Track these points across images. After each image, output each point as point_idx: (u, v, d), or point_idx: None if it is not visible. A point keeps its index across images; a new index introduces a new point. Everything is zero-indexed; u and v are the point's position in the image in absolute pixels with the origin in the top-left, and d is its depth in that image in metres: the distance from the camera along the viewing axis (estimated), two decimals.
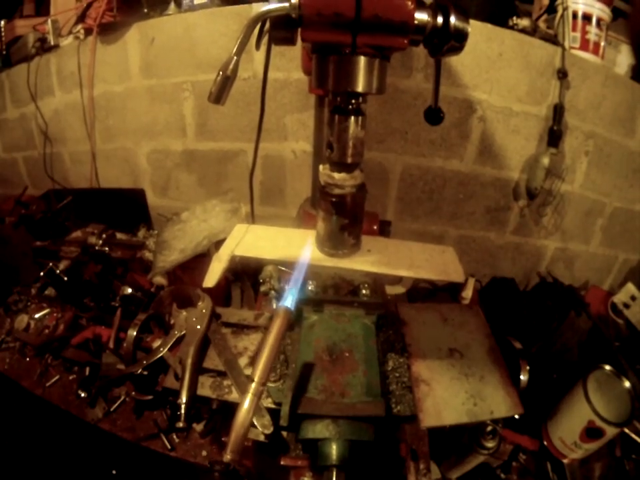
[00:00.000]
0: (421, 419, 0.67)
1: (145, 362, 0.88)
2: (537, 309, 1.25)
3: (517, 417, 0.93)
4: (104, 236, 1.28)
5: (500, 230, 1.43)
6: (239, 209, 1.36)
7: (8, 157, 1.95)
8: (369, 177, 1.45)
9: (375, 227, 1.08)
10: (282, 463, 0.65)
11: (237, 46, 0.51)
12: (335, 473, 0.52)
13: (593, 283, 1.45)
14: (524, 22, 1.15)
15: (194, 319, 0.87)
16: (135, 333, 0.93)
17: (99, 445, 1.05)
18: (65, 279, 1.20)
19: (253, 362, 0.81)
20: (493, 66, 1.18)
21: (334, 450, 0.54)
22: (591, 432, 0.80)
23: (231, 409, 0.70)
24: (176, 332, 0.88)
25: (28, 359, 1.11)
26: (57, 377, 1.07)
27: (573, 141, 1.27)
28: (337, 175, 0.60)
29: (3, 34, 1.57)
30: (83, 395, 1.00)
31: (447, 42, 0.54)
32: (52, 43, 1.49)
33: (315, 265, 0.68)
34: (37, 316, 1.21)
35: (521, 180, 1.33)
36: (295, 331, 0.74)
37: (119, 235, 1.45)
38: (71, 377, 1.08)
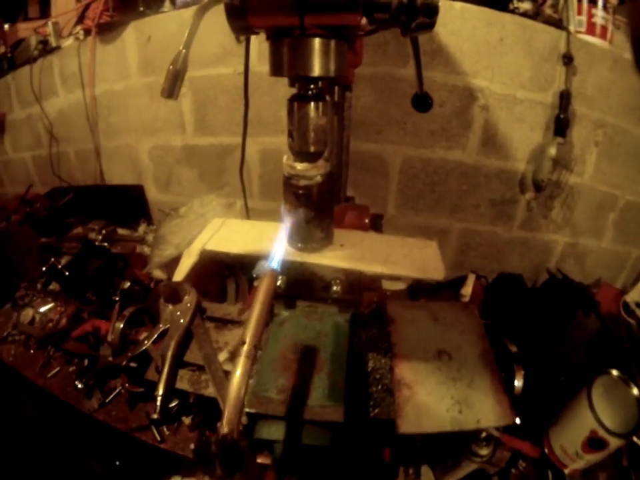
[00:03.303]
0: (398, 425, 0.65)
1: (129, 354, 0.93)
2: (545, 307, 1.23)
3: (518, 421, 0.92)
4: (104, 232, 1.35)
5: (506, 224, 1.41)
6: (234, 204, 1.40)
7: (17, 157, 2.06)
8: (368, 169, 1.47)
9: (367, 221, 1.09)
10: (258, 460, 0.64)
11: (185, 38, 0.52)
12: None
13: (604, 280, 1.40)
14: (525, 5, 1.12)
15: (178, 313, 0.91)
16: (122, 326, 0.99)
17: (97, 434, 1.12)
18: (67, 273, 1.28)
19: (233, 357, 0.85)
20: (494, 52, 1.16)
21: (287, 453, 0.54)
22: (593, 442, 0.77)
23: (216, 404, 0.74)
24: (161, 325, 0.92)
25: (32, 351, 1.19)
26: (57, 369, 1.13)
27: (582, 129, 1.23)
28: (299, 165, 0.60)
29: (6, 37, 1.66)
30: (80, 386, 1.05)
31: (414, 18, 0.51)
32: (53, 45, 1.57)
33: (284, 260, 0.69)
34: (41, 310, 1.28)
35: (528, 171, 1.30)
36: (270, 328, 0.74)
37: (121, 231, 1.53)
38: (70, 369, 1.14)
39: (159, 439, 0.96)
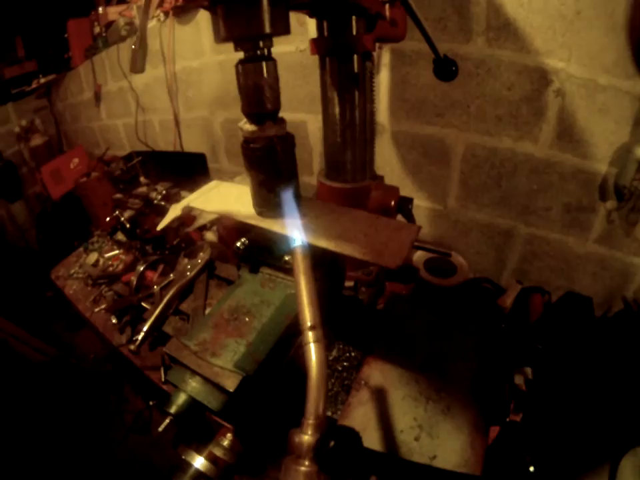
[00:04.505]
0: None
1: (140, 295, 1.08)
2: (608, 344, 1.06)
3: (532, 469, 0.80)
4: (164, 192, 1.54)
5: (581, 235, 1.23)
6: None
7: (111, 123, 2.44)
8: (428, 155, 1.43)
9: (393, 203, 1.06)
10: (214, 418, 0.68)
11: (140, 22, 0.61)
12: (167, 422, 0.56)
13: None
14: None
15: (188, 267, 1.03)
16: (141, 269, 1.14)
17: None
18: (128, 226, 1.50)
19: None
20: (570, 27, 1.01)
21: (177, 400, 0.57)
22: None
23: None
24: (171, 275, 1.06)
25: (89, 288, 1.41)
26: (104, 305, 1.32)
27: None
28: (247, 127, 0.61)
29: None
30: (114, 321, 1.21)
31: None
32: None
33: (242, 222, 0.71)
34: (106, 255, 1.53)
35: (610, 175, 1.11)
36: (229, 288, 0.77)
37: (183, 193, 1.72)
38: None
39: (163, 379, 1.08)
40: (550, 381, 0.91)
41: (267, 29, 0.53)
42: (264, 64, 0.57)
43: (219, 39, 0.56)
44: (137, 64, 0.63)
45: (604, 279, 1.25)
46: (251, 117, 0.62)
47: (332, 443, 0.42)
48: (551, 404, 0.85)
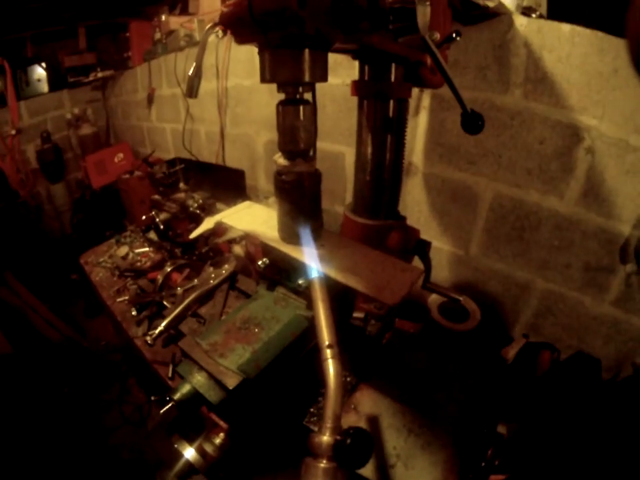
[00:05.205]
0: None
1: (163, 293, 1.17)
2: (610, 412, 1.06)
3: None
4: (200, 201, 1.65)
5: (597, 296, 1.24)
6: None
7: (159, 126, 2.59)
8: (456, 200, 1.49)
9: (410, 244, 1.10)
10: (211, 416, 0.77)
11: (197, 54, 0.70)
12: (169, 406, 0.64)
13: None
14: None
15: (212, 275, 1.12)
16: (168, 270, 1.24)
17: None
18: (162, 227, 1.61)
19: None
20: (606, 85, 1.05)
21: (182, 389, 0.65)
22: None
23: None
24: (195, 281, 1.15)
25: (114, 279, 1.52)
26: (126, 297, 1.42)
27: None
28: (280, 161, 0.69)
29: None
30: (133, 313, 1.29)
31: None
32: (197, 39, 1.97)
33: (265, 244, 0.79)
34: (136, 251, 1.65)
35: (633, 238, 1.12)
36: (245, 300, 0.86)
37: (219, 205, 1.82)
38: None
39: (170, 375, 1.14)
40: (540, 438, 0.92)
41: (307, 78, 0.61)
42: (301, 107, 0.65)
43: (264, 79, 0.64)
44: (193, 90, 0.73)
45: (616, 342, 1.25)
46: (285, 152, 0.70)
47: (348, 440, 0.48)
48: (539, 463, 0.86)
